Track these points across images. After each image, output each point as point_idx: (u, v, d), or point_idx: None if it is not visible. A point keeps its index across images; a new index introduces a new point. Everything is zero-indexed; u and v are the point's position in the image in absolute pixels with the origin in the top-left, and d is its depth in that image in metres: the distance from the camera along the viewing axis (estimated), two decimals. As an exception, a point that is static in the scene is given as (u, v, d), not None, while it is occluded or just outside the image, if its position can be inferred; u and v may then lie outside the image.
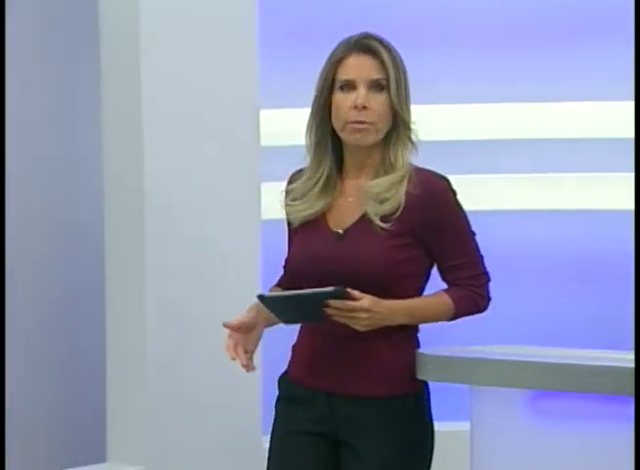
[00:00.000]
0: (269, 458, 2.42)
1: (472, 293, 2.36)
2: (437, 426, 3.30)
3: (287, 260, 2.43)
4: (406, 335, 2.37)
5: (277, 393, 2.46)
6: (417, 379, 2.37)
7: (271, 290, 2.47)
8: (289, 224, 2.44)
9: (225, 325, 2.30)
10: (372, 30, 2.64)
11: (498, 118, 3.51)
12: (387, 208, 2.27)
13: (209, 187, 3.23)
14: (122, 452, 3.21)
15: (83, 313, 3.37)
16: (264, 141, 3.31)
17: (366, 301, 2.20)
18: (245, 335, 2.31)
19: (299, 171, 2.41)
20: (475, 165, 3.50)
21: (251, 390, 3.39)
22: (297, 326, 2.43)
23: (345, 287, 2.22)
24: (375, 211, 2.28)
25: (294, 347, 2.44)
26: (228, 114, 3.27)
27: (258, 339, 2.37)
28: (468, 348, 2.59)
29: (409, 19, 3.50)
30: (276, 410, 2.46)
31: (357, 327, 2.22)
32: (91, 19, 3.22)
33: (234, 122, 3.28)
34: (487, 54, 3.55)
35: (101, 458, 3.18)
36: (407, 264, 2.30)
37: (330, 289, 2.17)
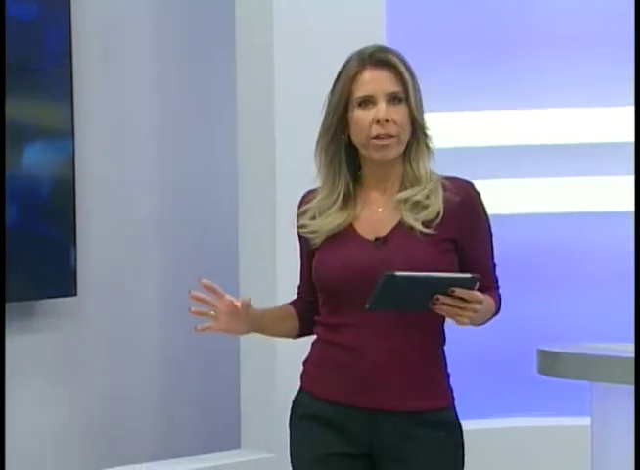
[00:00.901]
0: None
1: (499, 297, 2.35)
2: (557, 420, 3.33)
3: (317, 273, 2.33)
4: (439, 346, 2.34)
5: (292, 413, 2.35)
6: (450, 388, 2.34)
7: (284, 306, 2.38)
8: (307, 245, 2.34)
9: (206, 285, 2.18)
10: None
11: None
12: (427, 214, 2.26)
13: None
14: (256, 440, 3.23)
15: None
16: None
17: (480, 293, 2.17)
18: (232, 313, 2.21)
19: (312, 192, 2.36)
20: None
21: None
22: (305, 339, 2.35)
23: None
24: (414, 218, 2.25)
25: (309, 362, 2.36)
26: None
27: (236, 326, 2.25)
28: (584, 345, 2.61)
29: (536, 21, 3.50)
30: (296, 431, 2.37)
31: (462, 319, 2.15)
32: (229, 37, 3.28)
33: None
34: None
35: (235, 445, 3.24)
36: (447, 269, 2.26)
37: (468, 275, 2.12)
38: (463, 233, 2.29)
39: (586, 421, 2.59)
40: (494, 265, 2.36)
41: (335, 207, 2.29)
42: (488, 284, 2.31)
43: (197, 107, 3.53)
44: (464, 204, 2.28)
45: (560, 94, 3.52)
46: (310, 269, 2.34)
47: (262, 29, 3.26)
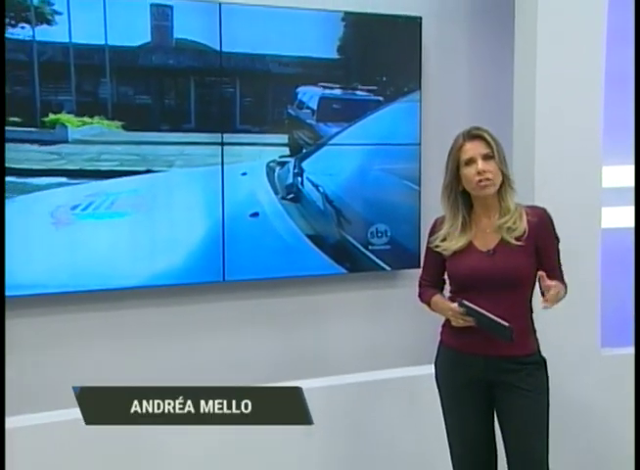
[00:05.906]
0: (444, 407, 2.89)
1: (565, 285, 2.83)
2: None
3: (454, 275, 2.82)
4: (529, 314, 2.84)
5: (436, 357, 2.90)
6: (535, 340, 2.82)
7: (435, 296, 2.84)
8: (437, 255, 2.86)
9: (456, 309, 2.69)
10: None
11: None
12: (517, 233, 2.74)
13: (565, 208, 3.54)
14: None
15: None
16: (605, 183, 3.91)
17: (553, 285, 2.61)
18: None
19: (440, 219, 2.89)
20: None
21: (589, 304, 3.79)
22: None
23: (497, 286, 2.70)
24: (510, 236, 2.73)
25: (445, 325, 2.89)
26: (576, 166, 3.83)
27: None
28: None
29: None
30: (440, 370, 2.87)
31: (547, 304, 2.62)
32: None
33: (582, 172, 3.85)
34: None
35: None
36: (532, 268, 2.76)
37: (506, 324, 2.59)
38: (540, 242, 2.78)
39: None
40: (560, 264, 2.84)
41: (457, 233, 2.81)
42: (558, 275, 2.84)
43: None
44: (539, 223, 2.78)
45: None
46: (439, 269, 2.91)
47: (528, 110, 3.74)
